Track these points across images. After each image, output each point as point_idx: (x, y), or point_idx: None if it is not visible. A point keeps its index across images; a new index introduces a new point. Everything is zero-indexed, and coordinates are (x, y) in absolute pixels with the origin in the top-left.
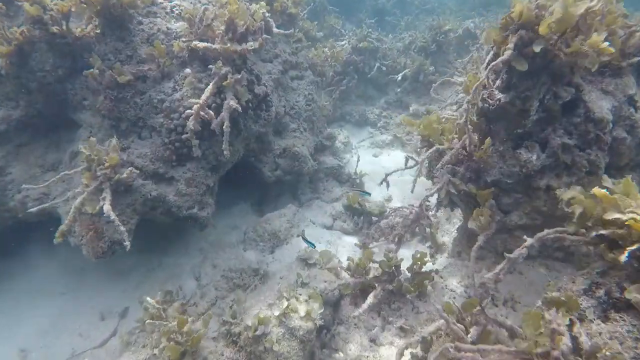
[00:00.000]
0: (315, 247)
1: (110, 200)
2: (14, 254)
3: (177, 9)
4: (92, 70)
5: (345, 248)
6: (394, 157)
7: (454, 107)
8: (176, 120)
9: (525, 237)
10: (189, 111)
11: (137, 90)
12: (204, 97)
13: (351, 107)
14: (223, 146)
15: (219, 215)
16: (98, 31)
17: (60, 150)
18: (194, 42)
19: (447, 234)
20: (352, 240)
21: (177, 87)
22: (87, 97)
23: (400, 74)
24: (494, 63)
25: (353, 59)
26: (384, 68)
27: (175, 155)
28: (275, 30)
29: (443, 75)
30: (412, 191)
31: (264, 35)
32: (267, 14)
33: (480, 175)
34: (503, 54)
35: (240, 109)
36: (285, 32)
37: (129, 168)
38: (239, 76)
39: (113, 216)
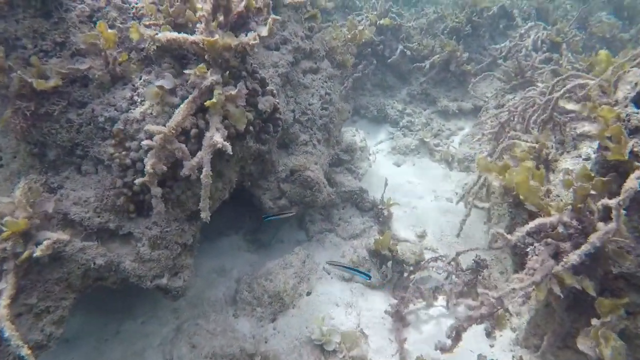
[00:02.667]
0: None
1: (12, 295)
2: None
3: None
4: None
5: (372, 313)
6: (422, 168)
7: (503, 114)
8: (134, 152)
9: None
10: (147, 142)
11: (72, 101)
12: (172, 122)
13: (367, 98)
14: (201, 204)
15: (201, 253)
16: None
17: None
18: (154, 33)
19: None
20: (380, 299)
21: (136, 97)
22: None
23: (428, 62)
24: None
25: (371, 39)
26: (408, 52)
27: (134, 203)
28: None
29: (478, 65)
30: (458, 235)
31: (273, 16)
32: None
33: (598, 261)
34: None
35: (229, 148)
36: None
37: (48, 240)
38: (234, 91)
39: (9, 331)
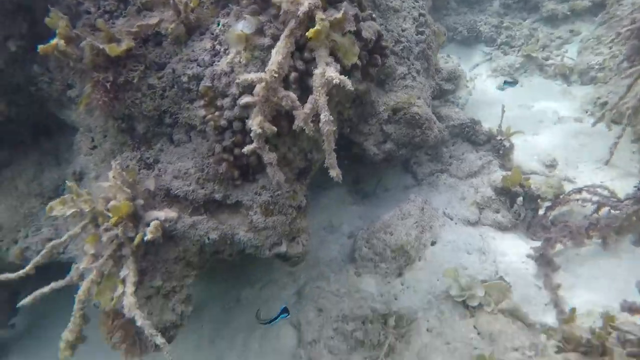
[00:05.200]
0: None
1: (136, 282)
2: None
3: None
4: (52, 42)
5: (509, 258)
6: (533, 88)
7: None
8: (228, 111)
9: None
10: (246, 99)
11: (149, 64)
12: (272, 65)
13: (453, 18)
14: (328, 160)
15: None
16: None
17: (61, 164)
18: None
19: None
20: (514, 242)
21: (218, 47)
22: (72, 83)
23: None
24: None
25: None
26: None
27: (238, 168)
28: None
29: None
30: (607, 162)
31: None
32: None
33: None
34: None
35: (348, 83)
36: None
37: (155, 221)
38: (339, 14)
39: (140, 319)
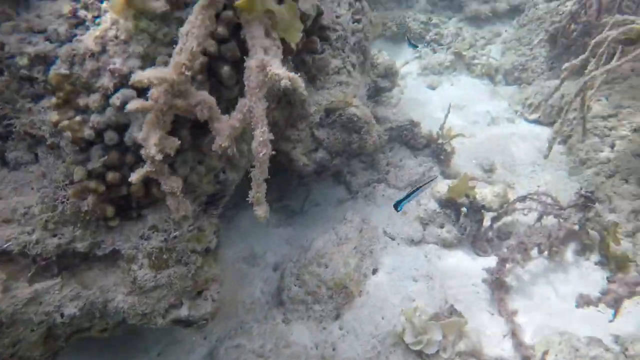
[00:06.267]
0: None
1: None
2: None
3: None
4: None
5: (458, 281)
6: (463, 88)
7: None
8: (97, 114)
9: None
10: (135, 104)
11: None
12: (183, 56)
13: (381, 13)
14: (253, 194)
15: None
16: None
17: None
18: None
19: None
20: (461, 261)
21: (82, 13)
22: None
23: None
24: None
25: None
26: None
27: (113, 204)
28: None
29: None
30: (546, 156)
31: None
32: None
33: None
34: None
35: (301, 86)
36: None
37: None
38: None
39: None
